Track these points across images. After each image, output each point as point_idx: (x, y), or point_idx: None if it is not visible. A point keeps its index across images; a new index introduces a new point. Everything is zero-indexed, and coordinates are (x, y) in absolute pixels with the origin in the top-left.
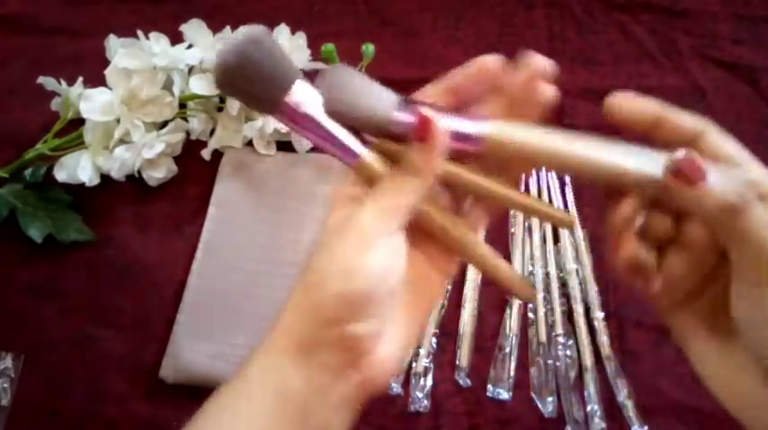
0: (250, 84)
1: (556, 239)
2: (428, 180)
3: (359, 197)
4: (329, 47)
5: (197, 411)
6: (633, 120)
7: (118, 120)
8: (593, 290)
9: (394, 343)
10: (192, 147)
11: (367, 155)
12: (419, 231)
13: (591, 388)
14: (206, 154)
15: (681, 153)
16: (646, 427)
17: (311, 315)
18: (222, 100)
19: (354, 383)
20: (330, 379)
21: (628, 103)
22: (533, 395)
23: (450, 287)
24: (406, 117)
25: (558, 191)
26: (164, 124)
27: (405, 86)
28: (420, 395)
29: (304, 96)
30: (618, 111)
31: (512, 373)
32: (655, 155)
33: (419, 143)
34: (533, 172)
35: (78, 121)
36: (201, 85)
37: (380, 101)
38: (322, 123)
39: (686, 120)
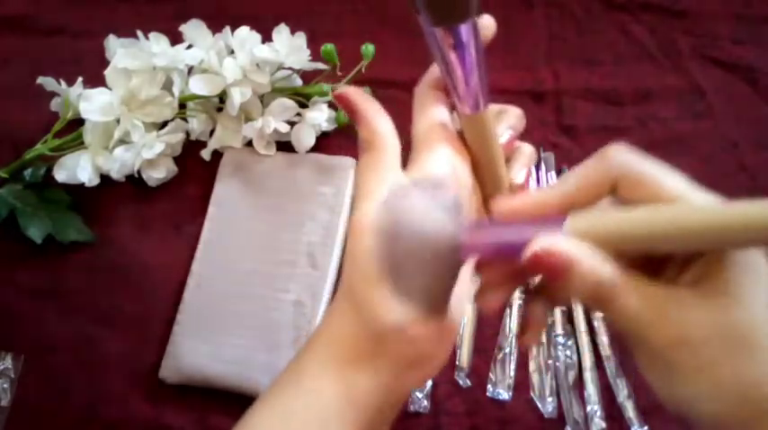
0: None
1: None
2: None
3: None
4: (329, 47)
5: (240, 420)
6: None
7: (117, 121)
8: None
9: (448, 330)
10: (191, 147)
11: (488, 111)
12: None
13: (591, 388)
14: (206, 154)
15: (537, 244)
16: (646, 427)
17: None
18: (222, 100)
19: (421, 378)
20: (402, 378)
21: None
22: (533, 395)
23: None
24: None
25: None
26: (163, 124)
27: (405, 86)
28: (420, 395)
29: (468, 26)
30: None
31: (512, 374)
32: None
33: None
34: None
35: (78, 122)
36: (201, 86)
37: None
38: (477, 59)
39: (596, 178)
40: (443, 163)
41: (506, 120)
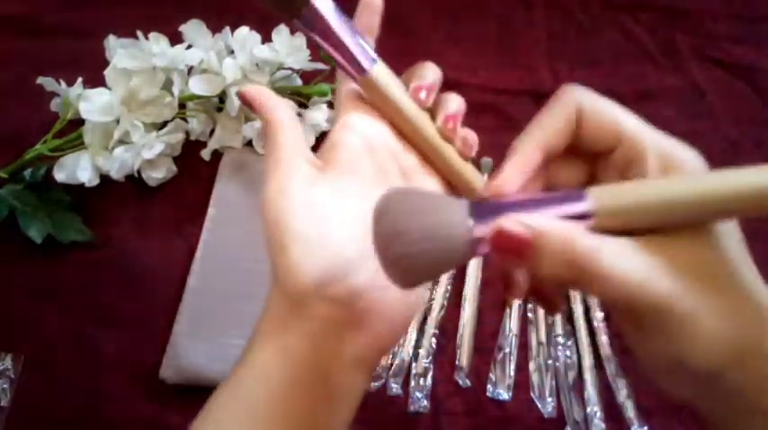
0: None
1: None
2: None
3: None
4: None
5: (201, 409)
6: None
7: (117, 121)
8: None
9: (400, 295)
10: (191, 147)
11: (376, 70)
12: None
13: (591, 388)
14: (206, 154)
15: (493, 224)
16: (646, 427)
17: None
18: (222, 100)
19: (362, 343)
20: (335, 338)
21: (515, 173)
22: (533, 395)
23: (449, 287)
24: (486, 231)
25: None
26: (163, 124)
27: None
28: (420, 395)
29: (323, 4)
30: (514, 186)
31: (511, 374)
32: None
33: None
34: None
35: (78, 122)
36: (201, 86)
37: (451, 215)
38: (336, 32)
39: (558, 118)
40: (353, 133)
41: (416, 76)
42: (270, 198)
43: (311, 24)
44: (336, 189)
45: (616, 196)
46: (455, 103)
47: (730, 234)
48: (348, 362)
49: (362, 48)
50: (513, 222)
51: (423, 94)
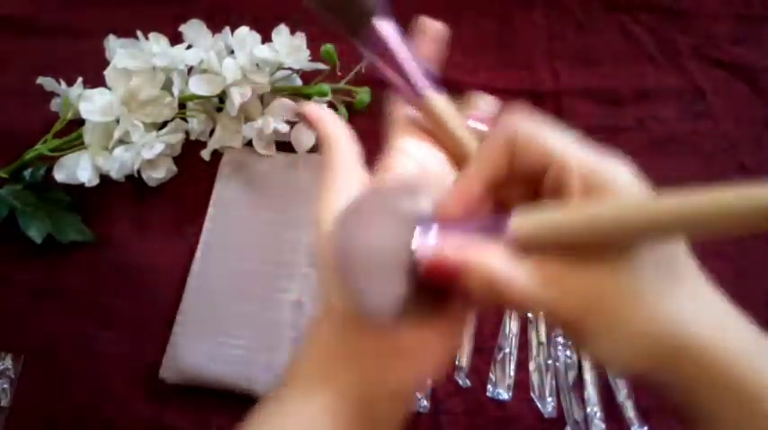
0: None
1: None
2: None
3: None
4: (329, 47)
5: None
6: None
7: (117, 121)
8: None
9: (436, 335)
10: (191, 147)
11: (434, 97)
12: None
13: (590, 388)
14: (205, 154)
15: (421, 251)
16: (645, 427)
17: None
18: (222, 100)
19: (403, 373)
20: (378, 371)
21: (457, 201)
22: (533, 395)
23: None
24: (429, 254)
25: None
26: (163, 124)
27: None
28: (420, 395)
29: (386, 27)
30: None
31: (511, 374)
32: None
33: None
34: None
35: (78, 122)
36: (201, 86)
37: (400, 238)
38: (397, 55)
39: (496, 153)
40: (408, 158)
41: (474, 106)
42: (324, 225)
43: (373, 46)
44: None
45: (533, 222)
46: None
47: (645, 256)
48: (390, 392)
49: (422, 72)
50: (444, 254)
51: (479, 124)
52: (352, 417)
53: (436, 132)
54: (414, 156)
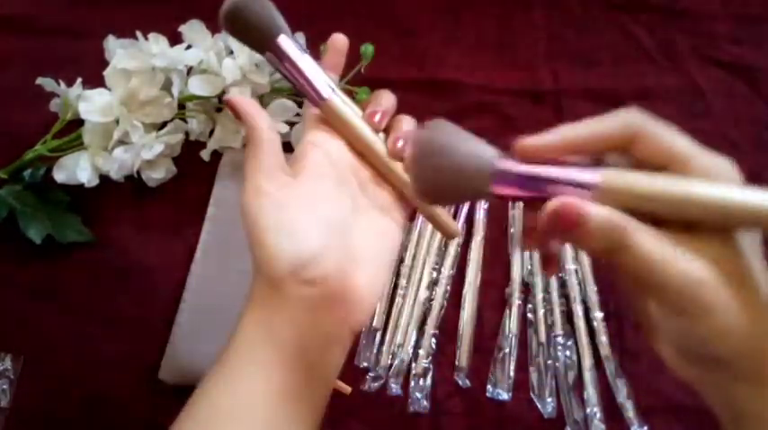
0: (254, 22)
1: None
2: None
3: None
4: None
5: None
6: (555, 150)
7: (117, 121)
8: (592, 290)
9: (366, 280)
10: (191, 147)
11: (333, 98)
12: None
13: (590, 388)
14: (205, 154)
15: (554, 202)
16: (646, 427)
17: (266, 274)
18: (221, 101)
19: (335, 320)
20: (312, 315)
21: (544, 140)
22: (533, 396)
23: (449, 287)
24: (508, 189)
25: None
26: (163, 125)
27: (403, 86)
28: (419, 396)
29: (288, 44)
30: (538, 150)
31: (511, 374)
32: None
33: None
34: None
35: (77, 122)
36: (200, 86)
37: (482, 150)
38: (299, 65)
39: (613, 127)
40: (317, 149)
41: (373, 102)
42: (249, 200)
43: (279, 59)
44: (304, 192)
45: (626, 179)
46: (406, 124)
47: (748, 233)
48: (323, 337)
49: (322, 79)
50: (568, 204)
51: (377, 118)
52: (294, 368)
53: (337, 127)
54: (322, 146)
